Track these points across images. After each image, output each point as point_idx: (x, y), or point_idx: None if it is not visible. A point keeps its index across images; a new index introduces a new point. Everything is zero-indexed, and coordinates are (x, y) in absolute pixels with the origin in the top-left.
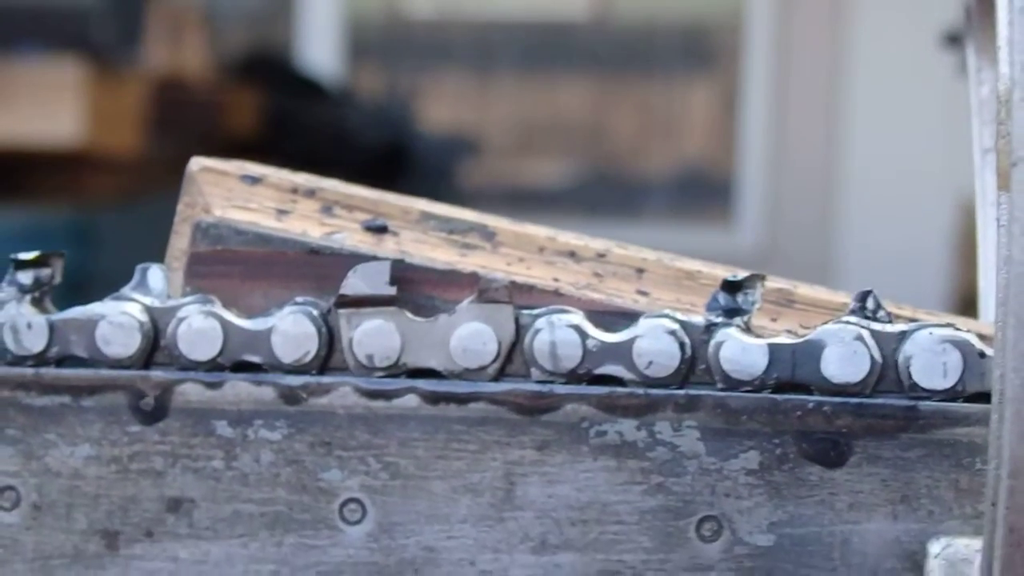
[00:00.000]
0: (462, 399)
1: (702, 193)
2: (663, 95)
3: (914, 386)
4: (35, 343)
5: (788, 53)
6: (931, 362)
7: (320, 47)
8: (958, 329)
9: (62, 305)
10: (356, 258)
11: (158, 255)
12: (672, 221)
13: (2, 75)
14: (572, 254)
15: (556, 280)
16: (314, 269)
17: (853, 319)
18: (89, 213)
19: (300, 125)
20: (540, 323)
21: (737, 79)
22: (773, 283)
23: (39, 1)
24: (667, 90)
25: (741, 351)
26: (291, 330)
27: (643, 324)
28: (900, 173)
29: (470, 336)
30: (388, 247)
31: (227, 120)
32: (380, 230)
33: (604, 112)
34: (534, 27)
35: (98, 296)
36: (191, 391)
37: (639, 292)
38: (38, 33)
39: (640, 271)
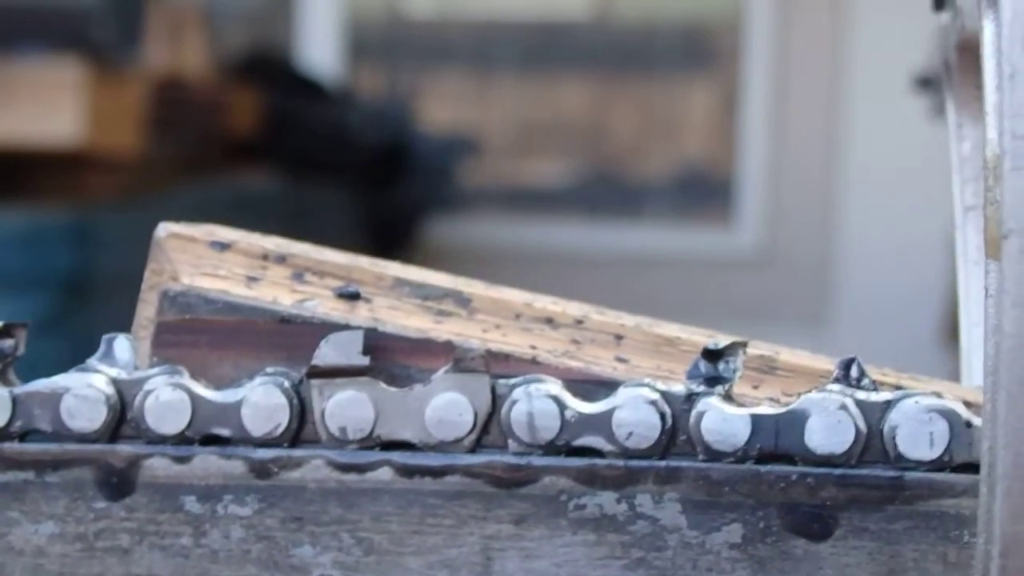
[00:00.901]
0: (437, 472)
1: (702, 193)
2: (663, 95)
3: (900, 456)
4: None
5: (788, 53)
6: (917, 432)
7: (320, 47)
8: (943, 398)
9: (62, 305)
10: (328, 327)
11: None
12: (672, 221)
13: (2, 75)
14: (549, 320)
15: (533, 348)
16: (285, 338)
17: (837, 388)
18: (89, 213)
19: (300, 125)
20: (517, 393)
21: (737, 79)
22: (755, 349)
23: (39, 1)
24: (667, 90)
25: (723, 421)
26: (261, 402)
27: (622, 394)
28: (900, 173)
29: (445, 407)
30: (361, 315)
31: (227, 120)
32: (353, 297)
33: (604, 112)
34: (534, 27)
35: (96, 296)
36: (159, 465)
37: (618, 359)
38: (38, 33)
39: (619, 337)
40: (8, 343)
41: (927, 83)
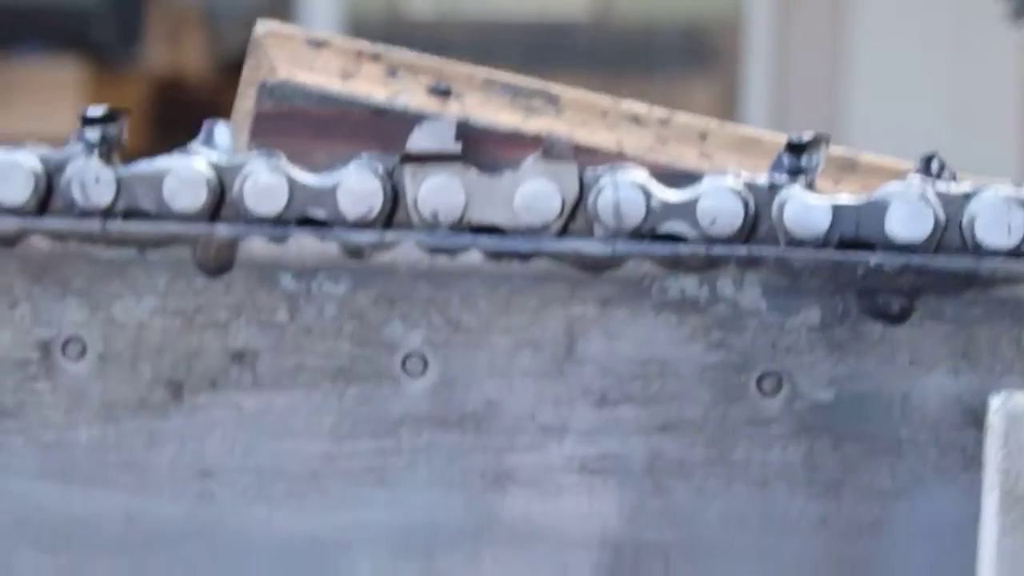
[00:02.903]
0: (524, 256)
1: None
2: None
3: (977, 245)
4: (102, 197)
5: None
6: (996, 221)
7: None
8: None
9: None
10: (421, 119)
11: None
12: None
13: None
14: (635, 119)
15: (620, 143)
16: (379, 130)
17: (917, 179)
18: None
19: None
20: (604, 181)
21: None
22: (837, 150)
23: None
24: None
25: (804, 209)
26: (356, 186)
27: (707, 183)
28: None
29: (534, 193)
30: (452, 109)
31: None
32: (444, 93)
33: None
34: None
35: None
36: (256, 246)
37: (702, 155)
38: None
39: (703, 136)
40: (112, 128)
41: None
